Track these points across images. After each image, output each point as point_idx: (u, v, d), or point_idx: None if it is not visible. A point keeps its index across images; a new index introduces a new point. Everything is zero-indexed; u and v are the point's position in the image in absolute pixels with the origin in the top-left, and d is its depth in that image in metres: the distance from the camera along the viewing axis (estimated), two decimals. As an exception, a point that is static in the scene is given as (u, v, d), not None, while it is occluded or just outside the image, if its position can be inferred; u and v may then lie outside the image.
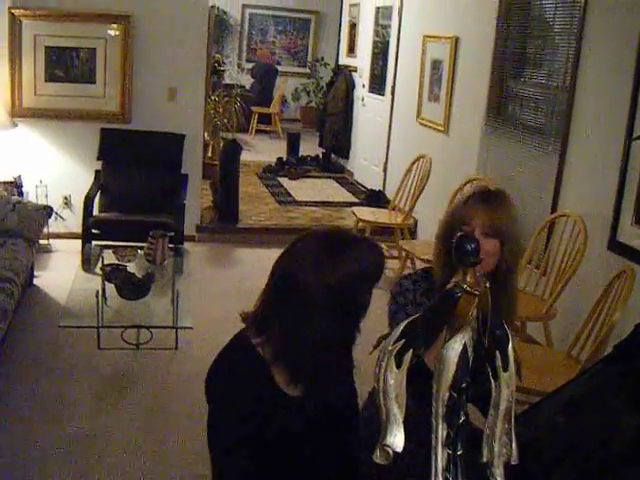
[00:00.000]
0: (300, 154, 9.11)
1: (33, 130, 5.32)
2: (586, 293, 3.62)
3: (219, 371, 1.61)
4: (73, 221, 5.42)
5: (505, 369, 1.22)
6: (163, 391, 3.53)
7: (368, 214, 5.58)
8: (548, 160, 4.25)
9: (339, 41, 9.76)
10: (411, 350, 1.22)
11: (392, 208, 5.60)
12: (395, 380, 1.20)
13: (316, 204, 7.13)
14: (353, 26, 8.90)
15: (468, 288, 1.22)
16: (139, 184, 5.18)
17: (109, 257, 4.05)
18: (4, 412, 3.19)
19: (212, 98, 7.47)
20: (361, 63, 8.31)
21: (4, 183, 4.92)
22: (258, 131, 10.89)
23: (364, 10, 8.36)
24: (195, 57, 5.52)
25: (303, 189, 7.75)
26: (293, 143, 9.18)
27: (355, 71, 8.54)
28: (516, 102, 4.78)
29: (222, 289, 4.83)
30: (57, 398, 3.34)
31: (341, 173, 8.66)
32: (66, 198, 5.48)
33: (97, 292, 3.48)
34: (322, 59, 11.47)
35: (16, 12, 5.08)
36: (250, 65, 11.79)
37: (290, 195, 7.41)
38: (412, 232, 6.02)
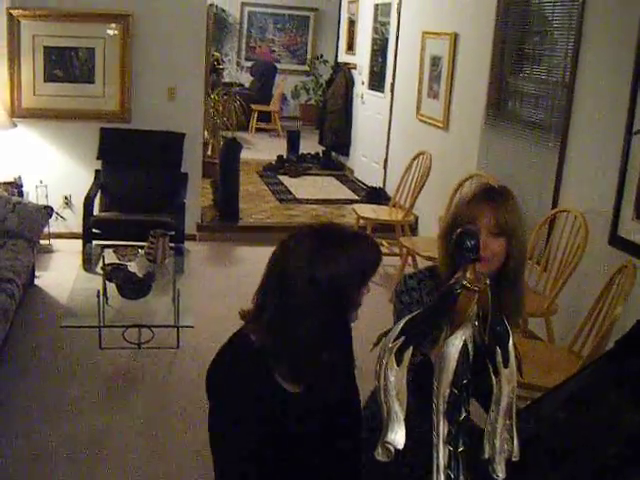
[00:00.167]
0: (300, 152, 9.10)
1: (33, 130, 5.32)
2: (587, 288, 3.62)
3: (219, 368, 1.62)
4: (73, 221, 5.42)
5: (506, 365, 1.22)
6: (165, 390, 3.53)
7: (369, 211, 5.57)
8: (548, 156, 4.24)
9: (338, 38, 9.76)
10: (411, 347, 1.22)
11: (392, 205, 5.60)
12: (396, 377, 1.20)
13: (317, 202, 7.12)
14: (352, 23, 8.90)
15: (468, 284, 1.22)
16: (139, 183, 5.17)
17: (110, 257, 4.06)
18: (6, 412, 3.19)
19: (212, 97, 7.47)
20: (360, 60, 8.30)
21: (4, 183, 4.92)
22: (258, 129, 10.89)
23: (363, 7, 8.36)
24: (194, 56, 5.52)
25: (303, 187, 7.74)
26: (293, 141, 9.16)
27: (354, 68, 8.53)
28: (516, 98, 4.78)
29: (223, 287, 4.83)
30: (59, 398, 3.35)
31: (341, 170, 8.65)
32: (66, 198, 5.48)
33: (98, 292, 3.48)
34: (321, 56, 11.46)
35: (14, 12, 5.07)
36: (249, 63, 11.78)
37: (290, 193, 7.41)
38: (413, 229, 6.02)
